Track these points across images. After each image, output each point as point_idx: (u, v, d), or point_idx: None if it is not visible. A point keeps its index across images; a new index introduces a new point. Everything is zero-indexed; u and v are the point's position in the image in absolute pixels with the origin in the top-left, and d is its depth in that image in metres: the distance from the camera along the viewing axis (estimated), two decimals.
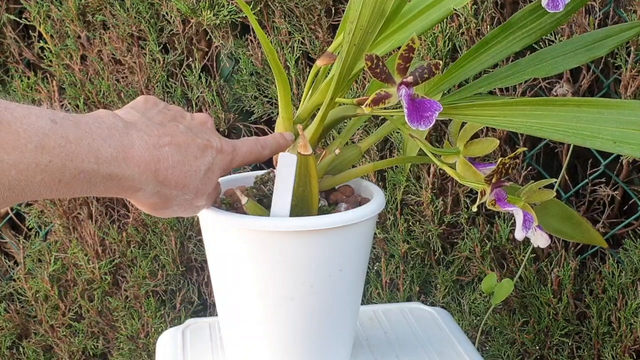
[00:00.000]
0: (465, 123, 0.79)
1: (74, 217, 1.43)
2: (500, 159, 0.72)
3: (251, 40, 1.34)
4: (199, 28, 1.36)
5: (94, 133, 0.59)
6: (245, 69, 1.35)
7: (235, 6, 1.30)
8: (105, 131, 0.60)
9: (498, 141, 0.79)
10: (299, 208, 0.77)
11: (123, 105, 1.37)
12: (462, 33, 1.24)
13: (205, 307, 1.45)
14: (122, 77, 1.39)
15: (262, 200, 0.82)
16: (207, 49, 1.39)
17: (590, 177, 1.29)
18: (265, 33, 1.29)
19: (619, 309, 1.25)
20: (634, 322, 1.23)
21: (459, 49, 1.25)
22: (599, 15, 1.20)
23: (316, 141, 0.81)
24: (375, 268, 1.36)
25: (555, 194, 0.79)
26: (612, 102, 0.71)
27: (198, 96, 1.37)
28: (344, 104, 0.80)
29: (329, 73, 0.84)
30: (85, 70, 1.40)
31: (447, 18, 1.11)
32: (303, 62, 1.34)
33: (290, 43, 1.32)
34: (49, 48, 1.41)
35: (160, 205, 0.67)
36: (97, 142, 0.58)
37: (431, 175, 1.29)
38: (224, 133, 1.40)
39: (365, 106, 0.74)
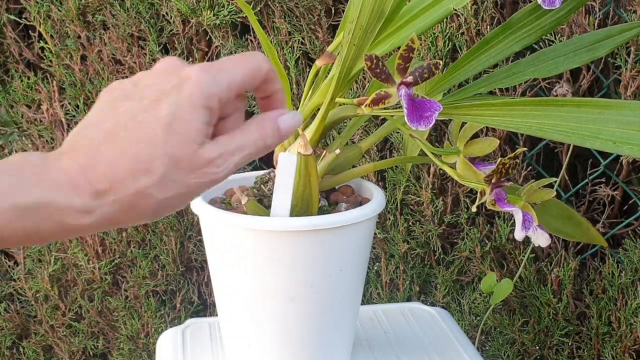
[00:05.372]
0: (465, 123, 0.79)
1: None
2: (500, 159, 0.72)
3: (251, 40, 1.34)
4: (199, 28, 1.36)
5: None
6: None
7: (235, 6, 1.30)
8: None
9: (498, 141, 0.79)
10: (299, 208, 0.77)
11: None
12: (462, 33, 1.24)
13: (205, 307, 1.45)
14: (122, 77, 1.39)
15: (262, 200, 0.82)
16: (207, 49, 1.39)
17: (590, 177, 1.29)
18: (265, 33, 1.29)
19: (619, 309, 1.25)
20: (634, 322, 1.23)
21: (459, 49, 1.25)
22: (599, 16, 1.20)
23: (316, 141, 0.81)
24: (375, 268, 1.36)
25: (555, 193, 0.79)
26: (612, 102, 0.71)
27: None
28: (344, 104, 0.80)
29: (329, 73, 0.84)
30: (85, 70, 1.40)
31: (447, 18, 1.11)
32: (303, 62, 1.34)
33: (290, 43, 1.32)
34: (49, 48, 1.41)
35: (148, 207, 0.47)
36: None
37: (431, 175, 1.29)
38: None
39: (365, 106, 0.74)
